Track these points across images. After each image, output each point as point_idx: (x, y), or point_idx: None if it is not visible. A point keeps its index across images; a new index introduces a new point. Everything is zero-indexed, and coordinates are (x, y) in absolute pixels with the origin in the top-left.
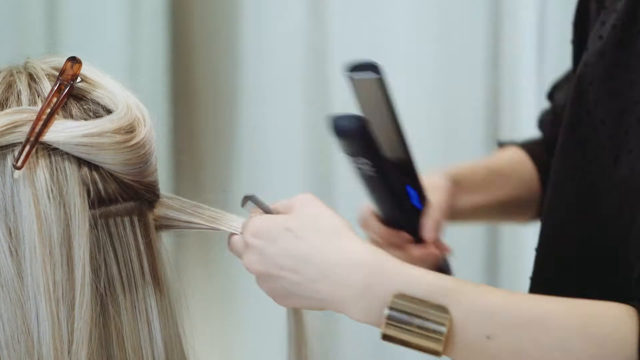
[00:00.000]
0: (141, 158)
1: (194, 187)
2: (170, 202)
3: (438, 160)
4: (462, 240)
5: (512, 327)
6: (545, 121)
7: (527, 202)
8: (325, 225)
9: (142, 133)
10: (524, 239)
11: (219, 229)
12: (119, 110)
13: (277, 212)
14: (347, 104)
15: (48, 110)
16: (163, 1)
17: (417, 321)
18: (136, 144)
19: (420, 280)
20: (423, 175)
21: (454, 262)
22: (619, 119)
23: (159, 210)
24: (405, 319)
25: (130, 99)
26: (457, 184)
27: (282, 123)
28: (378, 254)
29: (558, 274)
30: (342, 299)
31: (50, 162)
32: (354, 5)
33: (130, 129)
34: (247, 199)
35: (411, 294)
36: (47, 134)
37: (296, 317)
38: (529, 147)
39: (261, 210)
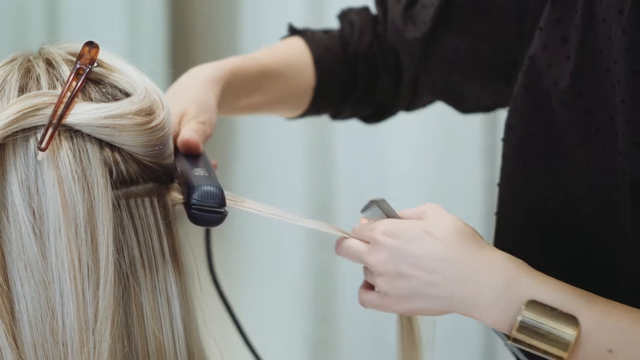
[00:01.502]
0: (160, 140)
1: None
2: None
3: (437, 161)
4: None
5: (635, 344)
6: (357, 25)
7: (294, 104)
8: (463, 231)
9: (161, 115)
10: None
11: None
12: (139, 93)
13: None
14: None
15: (68, 94)
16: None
17: (547, 328)
18: (156, 125)
19: (554, 288)
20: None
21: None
22: (586, 119)
23: (176, 193)
24: (537, 325)
25: (147, 82)
26: (229, 86)
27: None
28: (517, 260)
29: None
30: (478, 301)
31: (73, 143)
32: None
33: (150, 111)
34: (373, 203)
35: (545, 301)
36: (69, 116)
37: (409, 322)
38: (318, 49)
39: (384, 215)
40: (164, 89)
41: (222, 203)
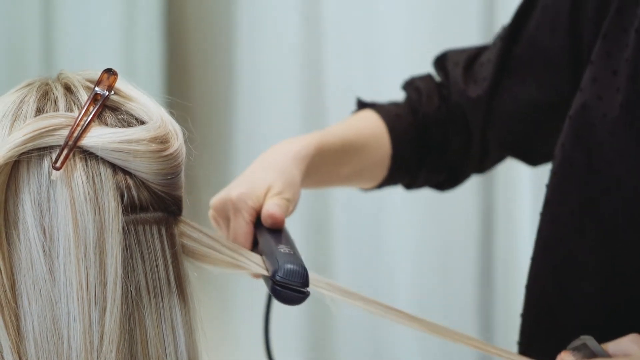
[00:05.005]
0: (173, 169)
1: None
2: (193, 223)
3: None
4: (457, 247)
5: None
6: (424, 90)
7: (372, 175)
8: None
9: (175, 145)
10: (518, 247)
11: (241, 264)
12: (154, 121)
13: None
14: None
15: (86, 118)
16: (158, 17)
17: None
18: (170, 154)
19: None
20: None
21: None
22: (636, 151)
23: (182, 227)
24: None
25: (163, 112)
26: (313, 162)
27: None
28: None
29: (553, 285)
30: None
31: (87, 165)
32: (348, 6)
33: (164, 140)
34: (583, 342)
35: None
36: (84, 138)
37: None
38: (390, 118)
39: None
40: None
41: (306, 283)
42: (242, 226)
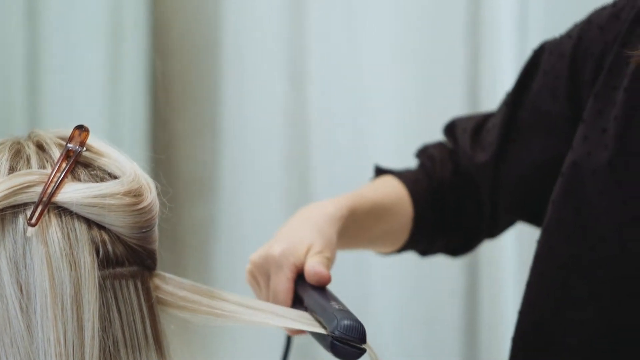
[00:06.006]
0: (147, 222)
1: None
2: (167, 276)
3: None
4: (441, 300)
5: None
6: (437, 157)
7: (396, 238)
8: None
9: (149, 198)
10: (504, 301)
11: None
12: (127, 175)
13: None
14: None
15: (59, 174)
16: (143, 72)
17: None
18: (143, 207)
19: None
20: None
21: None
22: (622, 208)
23: (157, 281)
24: None
25: (136, 167)
26: (346, 223)
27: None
28: None
29: (539, 339)
30: None
31: (62, 221)
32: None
33: (138, 193)
34: None
35: None
36: (58, 194)
37: None
38: (409, 182)
39: None
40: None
41: (364, 339)
42: (284, 282)
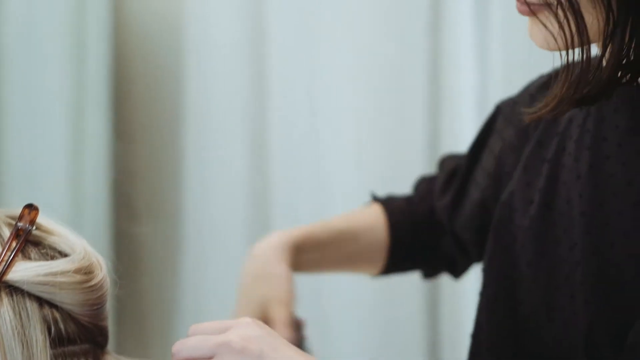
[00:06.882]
0: (98, 300)
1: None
2: (118, 357)
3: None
4: (402, 322)
5: None
6: (422, 191)
7: (371, 261)
8: None
9: (99, 275)
10: (466, 317)
11: None
12: (78, 253)
13: None
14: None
15: (9, 253)
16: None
17: None
18: (94, 284)
19: None
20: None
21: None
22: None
23: (109, 359)
24: None
25: (86, 244)
26: (300, 249)
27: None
28: None
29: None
30: None
31: (13, 300)
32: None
33: (89, 270)
34: None
35: None
36: (9, 273)
37: None
38: (392, 211)
39: None
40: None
41: None
42: None
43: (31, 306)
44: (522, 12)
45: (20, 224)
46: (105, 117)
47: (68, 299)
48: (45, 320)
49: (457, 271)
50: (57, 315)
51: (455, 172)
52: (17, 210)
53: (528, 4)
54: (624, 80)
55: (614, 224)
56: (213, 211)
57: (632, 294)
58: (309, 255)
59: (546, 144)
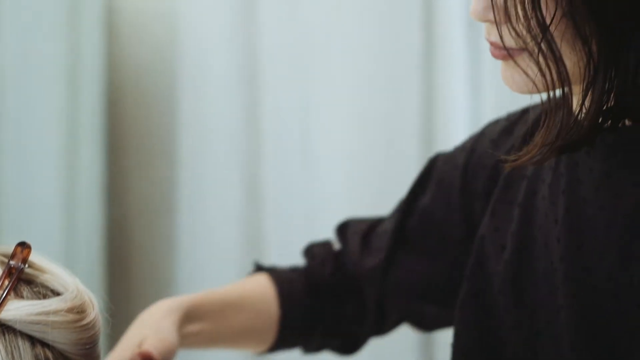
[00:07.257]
0: (91, 339)
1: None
2: None
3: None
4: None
5: None
6: (318, 257)
7: (259, 336)
8: None
9: (92, 314)
10: None
11: None
12: (70, 292)
13: None
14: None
15: (1, 292)
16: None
17: None
18: (87, 324)
19: None
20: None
21: None
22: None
23: None
24: None
25: (78, 283)
26: (189, 315)
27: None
28: None
29: None
30: None
31: (5, 339)
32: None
33: (81, 309)
34: None
35: None
36: (1, 312)
37: None
38: (281, 282)
39: None
40: (100, 287)
41: None
42: None
43: (23, 345)
44: (496, 57)
45: (12, 262)
46: (100, 145)
47: (60, 338)
48: (37, 359)
49: (356, 344)
50: (49, 354)
51: (371, 232)
52: (10, 248)
53: (507, 49)
54: (605, 126)
55: (596, 268)
56: (207, 213)
57: (619, 334)
58: (195, 325)
59: (513, 187)
